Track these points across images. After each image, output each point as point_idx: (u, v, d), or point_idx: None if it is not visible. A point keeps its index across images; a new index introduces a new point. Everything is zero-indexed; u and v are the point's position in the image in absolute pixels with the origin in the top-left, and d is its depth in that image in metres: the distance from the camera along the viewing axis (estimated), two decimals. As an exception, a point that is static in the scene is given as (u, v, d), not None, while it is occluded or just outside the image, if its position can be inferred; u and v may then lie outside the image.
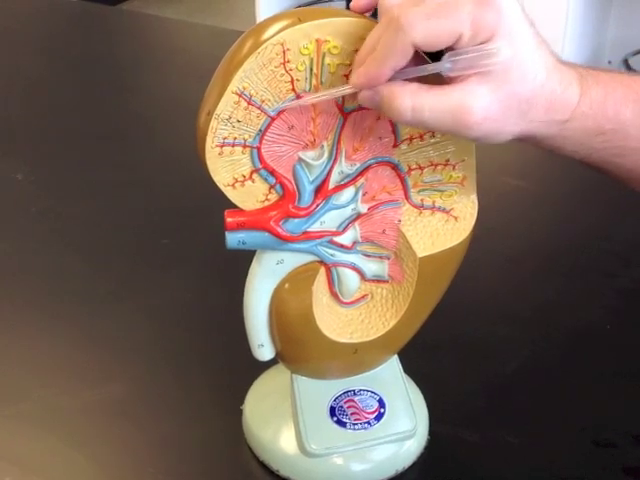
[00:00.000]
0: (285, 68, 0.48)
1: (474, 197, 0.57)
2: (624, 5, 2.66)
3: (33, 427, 0.67)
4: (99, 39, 1.39)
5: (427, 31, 0.44)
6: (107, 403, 0.69)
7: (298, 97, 0.49)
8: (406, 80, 0.46)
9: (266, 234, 0.53)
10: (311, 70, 0.49)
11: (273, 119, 0.50)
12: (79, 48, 1.37)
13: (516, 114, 0.48)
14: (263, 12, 2.80)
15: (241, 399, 0.67)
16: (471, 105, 0.46)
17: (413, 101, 0.46)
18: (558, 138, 0.51)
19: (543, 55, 0.48)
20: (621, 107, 0.51)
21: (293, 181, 0.52)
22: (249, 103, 0.49)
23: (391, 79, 0.46)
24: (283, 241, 0.54)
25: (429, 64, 0.46)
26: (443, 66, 0.46)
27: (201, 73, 0.54)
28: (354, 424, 0.62)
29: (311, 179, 0.53)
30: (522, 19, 0.47)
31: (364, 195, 0.55)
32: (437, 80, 0.47)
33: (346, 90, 0.48)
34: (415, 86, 0.46)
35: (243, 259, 0.57)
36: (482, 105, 0.46)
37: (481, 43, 0.45)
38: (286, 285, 0.57)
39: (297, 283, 0.57)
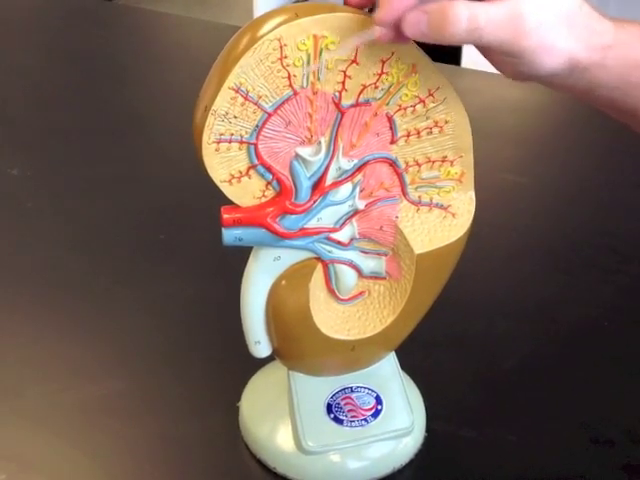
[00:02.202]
0: (282, 64, 0.48)
1: (472, 193, 0.57)
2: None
3: (30, 423, 0.67)
4: (95, 34, 1.38)
5: None
6: (104, 399, 0.69)
7: (295, 93, 0.49)
8: None
9: (263, 230, 0.53)
10: (308, 66, 0.48)
11: (270, 115, 0.49)
12: (75, 43, 1.36)
13: (565, 27, 0.48)
14: (260, 7, 2.80)
15: (238, 396, 0.67)
16: (526, 11, 0.46)
17: (469, 10, 0.45)
18: (601, 69, 0.50)
19: None
20: None
21: (290, 177, 0.52)
22: (246, 99, 0.48)
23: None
24: (280, 238, 0.54)
25: None
26: None
27: (198, 68, 0.54)
28: (351, 421, 0.61)
29: (308, 175, 0.52)
30: None
31: (361, 191, 0.54)
32: None
33: (375, 32, 0.47)
34: None
35: (240, 255, 0.56)
36: (535, 10, 0.46)
37: None
38: (283, 282, 0.56)
39: (294, 280, 0.56)
